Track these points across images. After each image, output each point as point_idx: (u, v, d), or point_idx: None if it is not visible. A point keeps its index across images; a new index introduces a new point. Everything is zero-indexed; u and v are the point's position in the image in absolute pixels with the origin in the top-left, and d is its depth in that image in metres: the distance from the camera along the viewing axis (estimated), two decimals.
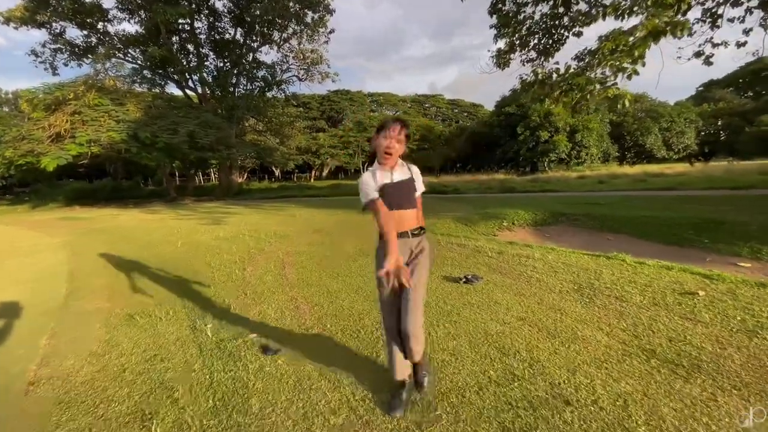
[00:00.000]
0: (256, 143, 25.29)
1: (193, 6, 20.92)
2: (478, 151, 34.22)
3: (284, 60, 24.67)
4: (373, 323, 2.75)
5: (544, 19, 9.77)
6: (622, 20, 7.81)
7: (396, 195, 1.83)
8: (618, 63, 6.40)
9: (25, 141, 15.48)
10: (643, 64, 6.07)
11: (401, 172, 1.89)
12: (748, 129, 30.11)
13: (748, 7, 8.82)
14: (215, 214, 11.38)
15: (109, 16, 20.58)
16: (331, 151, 42.40)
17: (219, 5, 22.06)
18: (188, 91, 22.73)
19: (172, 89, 26.30)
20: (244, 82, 23.99)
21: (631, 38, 6.41)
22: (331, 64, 24.39)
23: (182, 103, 21.19)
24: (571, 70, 7.73)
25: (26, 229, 10.00)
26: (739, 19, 9.06)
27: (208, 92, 22.64)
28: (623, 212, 8.12)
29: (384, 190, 1.81)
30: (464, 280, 3.57)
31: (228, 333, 2.71)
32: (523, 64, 10.41)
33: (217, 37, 22.98)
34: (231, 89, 22.58)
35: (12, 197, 24.87)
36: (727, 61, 7.87)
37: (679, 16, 6.50)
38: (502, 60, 10.45)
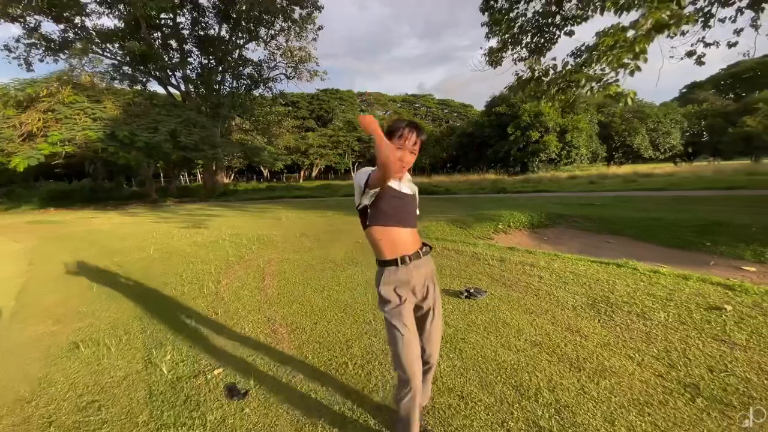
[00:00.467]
0: (242, 143, 24.58)
1: (176, 0, 20.14)
2: (469, 152, 34.04)
3: (271, 57, 24.07)
4: (363, 353, 2.32)
5: (536, 17, 9.58)
6: (619, 15, 7.56)
7: (401, 207, 1.53)
8: (618, 59, 6.12)
9: None
10: (645, 60, 5.80)
11: (407, 185, 1.60)
12: (731, 130, 30.58)
13: (739, 7, 8.69)
14: (196, 216, 10.80)
15: (87, 10, 19.66)
16: (320, 151, 41.77)
17: (203, 0, 21.32)
18: (171, 89, 21.93)
19: (155, 87, 25.42)
20: (230, 80, 23.29)
21: (630, 33, 6.16)
22: (319, 63, 23.81)
23: (164, 100, 20.39)
24: (568, 67, 7.45)
25: None
26: (730, 18, 8.92)
27: (192, 90, 21.88)
28: (620, 213, 7.88)
29: (387, 196, 1.49)
30: (466, 294, 3.17)
31: (188, 368, 2.25)
32: (515, 63, 10.19)
33: (202, 33, 22.20)
34: (216, 87, 21.85)
35: None
36: (710, 63, 7.72)
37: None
38: (494, 58, 10.23)
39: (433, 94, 61.76)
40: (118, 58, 20.61)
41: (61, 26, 19.65)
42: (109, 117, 16.49)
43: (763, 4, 7.46)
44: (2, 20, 18.47)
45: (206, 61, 22.45)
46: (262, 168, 39.54)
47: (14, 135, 14.86)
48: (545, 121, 27.73)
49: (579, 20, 9.05)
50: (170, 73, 21.11)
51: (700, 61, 9.10)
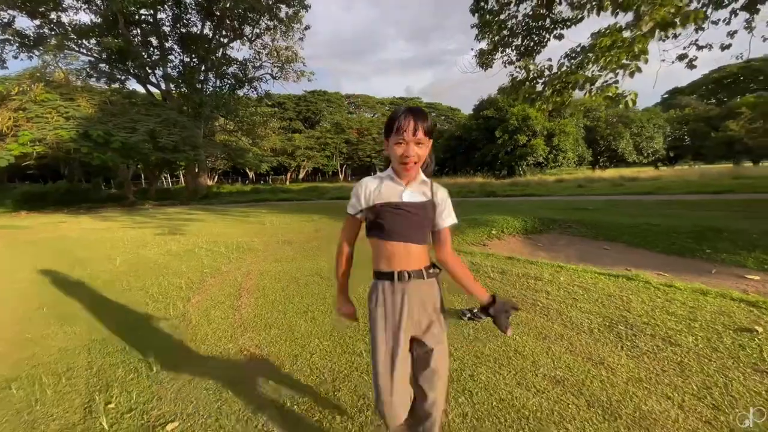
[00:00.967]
0: (226, 144, 23.86)
1: None
2: (456, 155, 33.97)
3: (257, 57, 23.43)
4: (353, 397, 1.93)
5: (526, 20, 9.44)
6: (616, 16, 7.38)
7: (398, 222, 1.27)
8: (617, 59, 5.90)
9: None
10: (646, 61, 5.59)
11: (417, 191, 1.31)
12: (714, 134, 31.33)
13: (733, 8, 8.66)
14: (174, 221, 10.20)
15: (64, 5, 18.70)
16: (307, 153, 41.14)
17: None
18: (151, 88, 21.10)
19: (134, 85, 24.49)
20: (213, 79, 22.58)
21: (628, 33, 5.96)
22: (306, 64, 23.26)
23: (143, 99, 19.57)
24: (564, 68, 7.23)
25: None
26: (724, 20, 8.88)
27: (173, 89, 21.09)
28: (614, 218, 7.69)
29: (380, 211, 1.27)
30: (469, 315, 2.80)
31: (135, 421, 1.81)
32: (505, 66, 10.03)
33: (184, 30, 21.44)
34: (198, 86, 21.11)
35: None
36: (693, 68, 7.62)
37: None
38: (484, 60, 10.05)
39: (420, 98, 61.88)
40: (95, 54, 19.70)
41: (37, 22, 18.67)
42: (83, 116, 15.68)
43: (759, 6, 7.40)
44: None
45: (188, 60, 21.69)
46: (247, 170, 38.66)
47: None
48: (533, 124, 27.86)
49: (569, 23, 8.93)
50: (150, 71, 20.29)
51: (691, 65, 9.02)
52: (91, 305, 3.59)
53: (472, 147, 31.81)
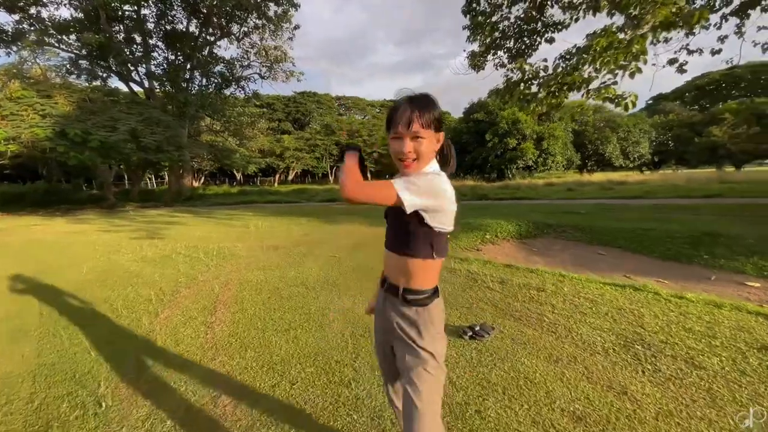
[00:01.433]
0: (212, 144, 23.24)
1: None
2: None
3: (245, 56, 22.91)
4: None
5: (518, 23, 9.36)
6: (612, 17, 7.27)
7: (388, 226, 1.19)
8: (615, 60, 5.74)
9: None
10: (645, 61, 5.44)
11: None
12: (697, 140, 31.96)
13: (724, 13, 8.66)
14: (154, 224, 9.71)
15: (44, 0, 17.93)
16: (296, 154, 40.55)
17: None
18: (134, 86, 20.39)
19: (116, 83, 23.74)
20: (199, 78, 21.94)
21: (625, 34, 5.82)
22: (296, 64, 22.87)
23: (125, 97, 18.90)
24: (560, 69, 7.08)
25: None
26: (715, 25, 8.88)
27: (157, 87, 20.43)
28: (608, 223, 7.57)
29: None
30: (470, 334, 2.51)
31: None
32: (497, 68, 9.93)
33: (169, 27, 20.82)
34: (184, 85, 20.48)
35: None
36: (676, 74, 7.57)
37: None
38: (476, 62, 9.93)
39: None
40: (75, 51, 18.95)
41: (15, 17, 17.86)
42: (60, 113, 15.00)
43: (749, 11, 7.37)
44: None
45: (173, 57, 21.06)
46: (234, 171, 37.92)
47: None
48: (522, 128, 27.95)
49: (560, 27, 8.85)
50: (132, 68, 19.61)
51: (681, 69, 8.98)
52: (47, 321, 3.19)
53: (463, 150, 31.76)
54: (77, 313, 3.36)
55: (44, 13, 18.27)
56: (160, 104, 19.43)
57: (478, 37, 9.73)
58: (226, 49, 33.97)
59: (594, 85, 5.98)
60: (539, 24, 9.28)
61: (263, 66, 23.06)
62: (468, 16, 9.82)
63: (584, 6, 6.96)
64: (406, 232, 1.06)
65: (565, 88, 6.69)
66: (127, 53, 19.10)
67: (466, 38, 9.93)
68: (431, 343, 1.10)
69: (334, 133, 43.48)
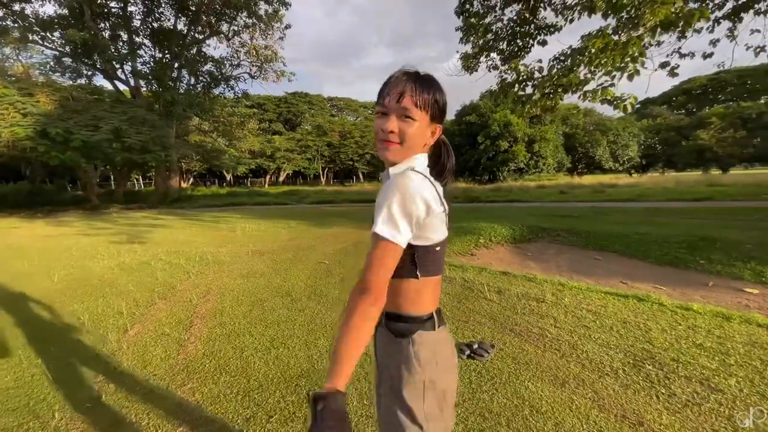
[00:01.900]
0: (200, 144, 22.77)
1: None
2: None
3: (235, 55, 22.54)
4: None
5: (511, 25, 9.29)
6: (606, 18, 7.17)
7: None
8: (612, 62, 5.63)
9: None
10: (643, 63, 5.34)
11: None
12: (684, 143, 32.46)
13: (716, 17, 8.66)
14: (137, 227, 9.34)
15: None
16: (288, 155, 40.12)
17: None
18: (119, 84, 19.86)
19: (101, 81, 23.15)
20: (187, 77, 21.49)
21: (617, 36, 5.73)
22: (287, 64, 22.55)
23: (109, 96, 18.38)
24: (555, 71, 6.97)
25: None
26: (707, 29, 8.88)
27: (143, 85, 19.92)
28: (602, 227, 7.48)
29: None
30: (468, 352, 2.30)
31: None
32: (489, 70, 9.83)
33: (156, 25, 20.38)
34: (171, 83, 20.01)
35: None
36: (666, 78, 7.54)
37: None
38: (469, 64, 9.83)
39: None
40: (59, 48, 18.37)
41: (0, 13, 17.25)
42: (42, 112, 14.48)
43: (742, 14, 7.36)
44: None
45: (160, 56, 20.59)
46: (224, 172, 37.34)
47: None
48: (514, 131, 28.02)
49: (553, 30, 8.77)
50: (118, 66, 19.08)
51: (673, 73, 8.96)
52: (6, 338, 2.89)
53: (455, 152, 31.58)
54: (40, 328, 3.07)
55: (28, 10, 17.72)
56: (146, 103, 18.95)
57: (471, 39, 9.64)
58: (216, 48, 33.67)
59: (590, 86, 5.87)
60: (532, 26, 9.22)
61: (253, 65, 22.73)
62: (461, 17, 9.72)
63: (579, 7, 6.86)
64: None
65: (560, 89, 6.58)
66: (113, 51, 18.59)
67: (459, 39, 9.83)
68: (412, 398, 0.83)
69: (326, 134, 43.17)
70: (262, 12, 20.51)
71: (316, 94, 53.12)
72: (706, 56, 9.12)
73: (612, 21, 6.28)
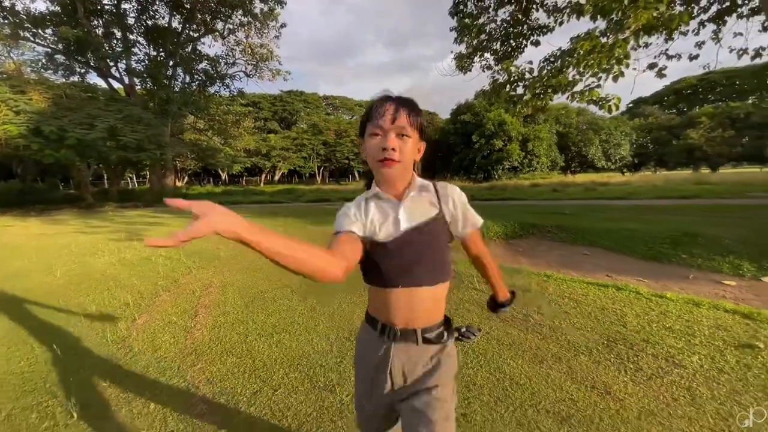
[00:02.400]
0: (196, 143, 22.77)
1: None
2: (434, 159, 34.11)
3: (230, 53, 22.53)
4: None
5: (504, 25, 9.47)
6: (595, 21, 7.38)
7: (407, 255, 0.91)
8: (598, 63, 5.85)
9: None
10: (627, 65, 5.56)
11: (420, 206, 0.96)
12: (675, 142, 32.97)
13: (702, 20, 8.90)
14: (134, 225, 9.42)
15: None
16: (283, 154, 40.12)
17: None
18: (113, 82, 19.80)
19: (94, 79, 23.02)
20: (182, 75, 21.46)
21: (609, 38, 5.93)
22: (282, 63, 22.62)
23: (103, 94, 18.33)
24: (545, 72, 7.18)
25: None
26: (693, 31, 9.13)
27: (138, 83, 19.88)
28: (592, 223, 7.69)
29: (380, 250, 0.91)
30: (457, 335, 2.50)
31: None
32: (483, 70, 10.03)
33: (150, 22, 20.31)
34: (166, 82, 19.99)
35: None
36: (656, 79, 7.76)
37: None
38: (463, 63, 10.01)
39: None
40: (51, 45, 18.28)
41: None
42: (35, 110, 14.43)
43: (726, 17, 7.61)
44: None
45: (155, 54, 20.54)
46: (219, 171, 37.27)
47: None
48: (508, 130, 28.30)
49: (545, 30, 8.98)
50: (112, 64, 19.03)
51: (661, 74, 9.21)
52: (16, 328, 3.04)
53: (450, 151, 32.00)
54: (49, 319, 3.21)
55: (18, 6, 17.60)
56: (141, 101, 18.92)
57: (465, 39, 9.80)
58: (210, 46, 33.52)
59: (578, 87, 6.09)
60: (525, 27, 9.40)
61: (249, 64, 22.74)
62: (455, 18, 9.89)
63: (568, 10, 7.08)
64: (440, 256, 0.99)
65: (549, 90, 6.80)
66: (107, 48, 18.53)
67: (453, 40, 10.00)
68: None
69: (321, 133, 43.21)
70: (257, 10, 20.54)
71: (311, 93, 53.11)
72: (692, 58, 9.38)
73: (602, 23, 6.50)
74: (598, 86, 5.66)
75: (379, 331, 0.97)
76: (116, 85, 19.91)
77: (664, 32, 5.09)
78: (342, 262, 0.79)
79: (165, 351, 2.49)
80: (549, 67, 7.02)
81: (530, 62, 7.12)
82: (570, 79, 6.21)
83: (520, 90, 7.29)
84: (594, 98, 5.53)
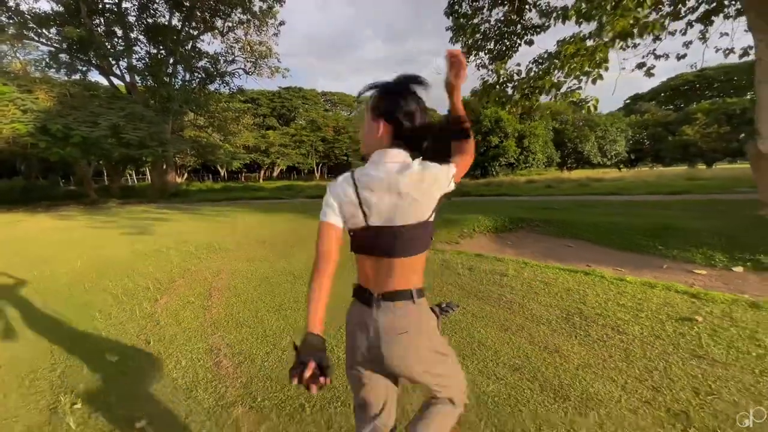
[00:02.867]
0: (196, 140, 23.08)
1: None
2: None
3: (229, 51, 22.79)
4: (323, 391, 1.99)
5: (498, 25, 9.75)
6: (580, 25, 7.74)
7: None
8: (580, 67, 6.23)
9: None
10: (606, 69, 5.95)
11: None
12: (671, 138, 33.33)
13: (689, 20, 9.19)
14: (141, 220, 9.82)
15: None
16: (282, 150, 40.39)
17: None
18: (115, 80, 20.09)
19: (96, 77, 23.21)
20: (182, 73, 21.75)
21: (591, 42, 6.30)
22: (281, 60, 22.89)
23: (105, 92, 18.64)
24: (532, 74, 7.55)
25: None
26: (680, 31, 9.42)
27: (139, 81, 20.18)
28: (579, 217, 8.06)
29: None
30: (438, 310, 2.92)
31: (102, 421, 1.80)
32: (478, 69, 10.33)
33: (150, 21, 20.56)
34: (167, 79, 20.29)
35: None
36: (656, 75, 8.07)
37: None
38: None
39: None
40: (55, 44, 18.55)
41: None
42: (41, 109, 14.77)
43: (713, 18, 7.92)
44: None
45: (155, 52, 20.81)
46: (218, 167, 37.56)
47: None
48: (504, 126, 28.69)
49: (539, 30, 9.30)
50: (113, 62, 19.31)
51: (649, 73, 9.55)
52: (51, 307, 3.44)
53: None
54: (80, 300, 3.62)
55: (23, 6, 17.86)
56: (143, 99, 19.23)
57: (461, 39, 10.08)
58: (210, 44, 33.65)
59: (563, 89, 6.48)
60: (519, 27, 9.68)
61: (248, 61, 23.02)
62: (450, 18, 10.17)
63: (554, 15, 7.43)
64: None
65: (536, 91, 7.18)
66: (109, 47, 18.82)
67: (449, 39, 10.29)
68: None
69: (320, 129, 43.45)
70: (256, 8, 20.80)
71: (309, 89, 53.24)
72: (680, 57, 9.72)
73: (590, 26, 6.83)
74: (579, 88, 6.04)
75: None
76: (117, 82, 20.22)
77: (637, 38, 5.44)
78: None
79: (188, 324, 2.90)
80: (536, 69, 7.39)
81: (518, 64, 7.49)
82: (555, 80, 6.58)
83: (509, 91, 7.66)
84: (575, 99, 5.91)
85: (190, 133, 24.36)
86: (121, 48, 19.26)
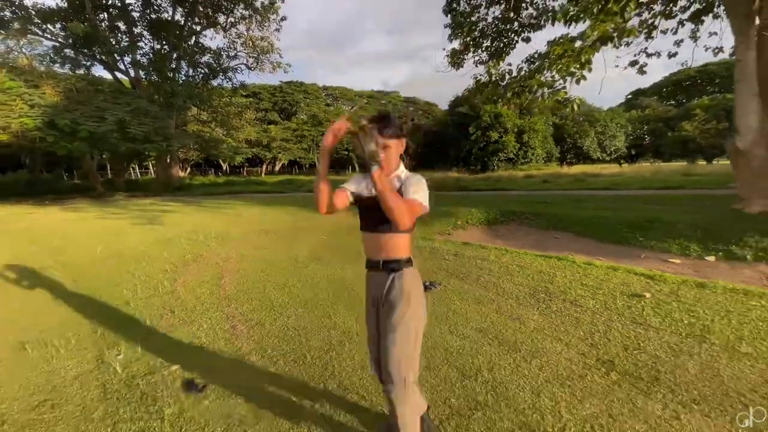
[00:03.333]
0: (199, 134, 23.49)
1: None
2: (432, 150, 34.81)
3: (231, 46, 23.09)
4: (321, 344, 2.44)
5: (496, 23, 10.00)
6: (568, 26, 8.07)
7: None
8: (566, 67, 6.60)
9: None
10: (590, 70, 6.32)
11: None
12: (670, 134, 33.51)
13: (680, 19, 9.45)
14: (149, 212, 10.26)
15: None
16: (283, 145, 40.75)
17: None
18: (119, 75, 20.46)
19: (100, 71, 23.56)
20: (186, 68, 22.09)
21: (578, 43, 6.65)
22: (282, 55, 23.20)
23: (110, 86, 19.03)
24: (523, 73, 7.90)
25: None
26: (672, 30, 9.67)
27: (143, 76, 20.55)
28: (569, 211, 8.40)
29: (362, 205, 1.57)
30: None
31: (143, 366, 2.25)
32: (476, 65, 10.60)
33: (154, 16, 20.88)
34: (170, 75, 20.64)
35: None
36: (655, 71, 8.39)
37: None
38: (456, 60, 10.55)
39: (398, 92, 62.05)
40: (60, 39, 18.91)
41: None
42: (49, 104, 15.17)
43: (703, 17, 8.22)
44: None
45: (159, 47, 21.15)
46: (221, 161, 37.99)
47: None
48: (504, 122, 28.94)
49: (535, 28, 9.60)
50: (118, 58, 19.67)
51: (642, 71, 9.86)
52: (81, 286, 3.90)
53: (448, 143, 32.71)
54: (105, 279, 4.08)
55: (27, 1, 18.19)
56: (147, 94, 19.61)
57: (459, 36, 10.35)
58: (212, 39, 33.88)
59: (550, 89, 6.84)
60: (516, 24, 9.93)
61: (250, 57, 23.32)
62: (449, 15, 10.43)
63: (545, 16, 7.77)
64: None
65: (526, 90, 7.55)
66: (113, 42, 19.17)
67: (447, 37, 10.55)
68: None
69: (321, 124, 43.74)
70: (258, 4, 21.06)
71: (311, 84, 53.42)
72: (672, 55, 10.01)
73: (579, 27, 7.17)
74: (564, 88, 6.42)
75: (367, 265, 1.48)
76: (121, 77, 20.58)
77: (618, 42, 5.79)
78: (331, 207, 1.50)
79: (205, 298, 3.36)
80: (527, 68, 7.74)
81: (509, 64, 7.85)
82: (543, 80, 6.95)
83: (500, 89, 8.02)
84: (560, 98, 6.29)
85: (194, 128, 24.76)
86: (126, 43, 19.60)
